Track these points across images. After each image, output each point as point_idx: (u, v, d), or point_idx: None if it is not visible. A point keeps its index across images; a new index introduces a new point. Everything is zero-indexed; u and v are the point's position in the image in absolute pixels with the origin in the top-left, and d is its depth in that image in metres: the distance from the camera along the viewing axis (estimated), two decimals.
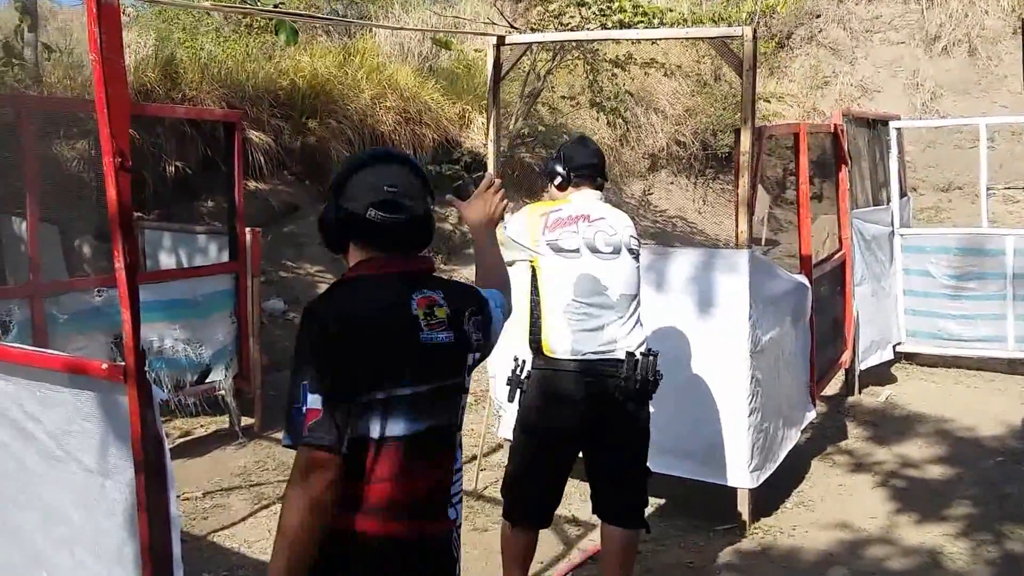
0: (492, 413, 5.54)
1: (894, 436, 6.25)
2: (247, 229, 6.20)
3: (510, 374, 3.86)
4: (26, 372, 2.96)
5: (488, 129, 5.60)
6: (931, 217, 12.14)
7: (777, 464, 5.13)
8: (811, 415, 5.82)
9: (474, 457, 5.56)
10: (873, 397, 7.10)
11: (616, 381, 3.63)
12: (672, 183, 12.99)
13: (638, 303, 3.82)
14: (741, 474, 4.84)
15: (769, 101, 12.95)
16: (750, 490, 4.87)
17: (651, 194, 12.66)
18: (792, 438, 5.43)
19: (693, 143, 13.11)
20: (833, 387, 6.98)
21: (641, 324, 3.81)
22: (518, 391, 3.82)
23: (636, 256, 3.85)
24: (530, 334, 3.78)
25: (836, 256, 6.62)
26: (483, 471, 5.39)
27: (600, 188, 3.94)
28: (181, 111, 7.12)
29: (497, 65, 5.55)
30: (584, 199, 3.84)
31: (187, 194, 8.89)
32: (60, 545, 3.04)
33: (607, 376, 3.64)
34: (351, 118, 10.09)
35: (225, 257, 6.26)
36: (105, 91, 2.55)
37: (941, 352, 7.75)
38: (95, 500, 2.89)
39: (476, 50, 11.94)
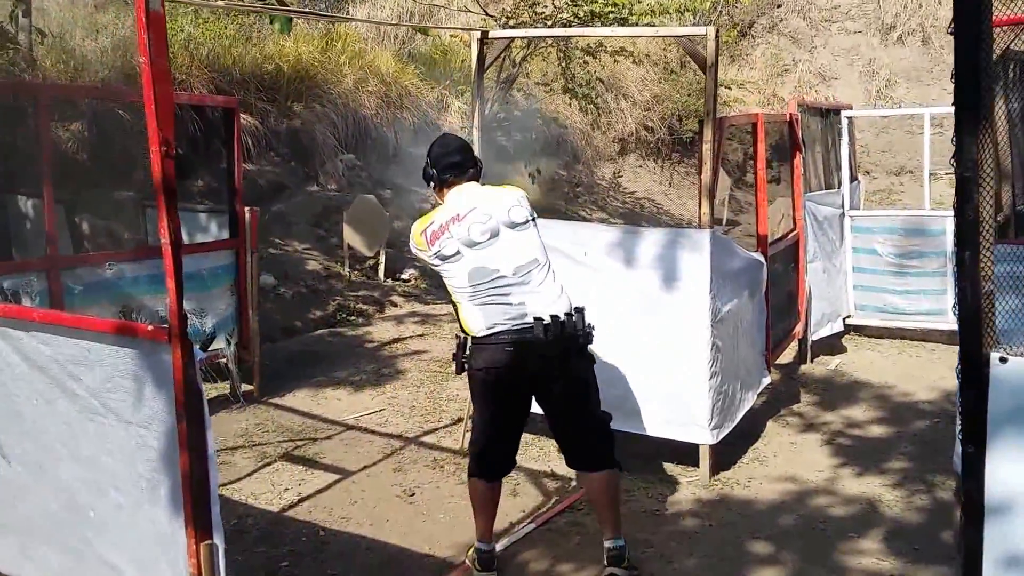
0: None
1: (841, 400, 6.81)
2: (246, 208, 6.63)
3: (454, 350, 4.15)
4: (68, 334, 3.30)
5: (473, 118, 6.06)
6: (883, 199, 12.75)
7: (735, 423, 5.65)
8: (766, 380, 6.35)
9: (460, 419, 6.07)
10: (823, 366, 7.66)
11: (534, 345, 3.92)
12: (640, 166, 13.51)
13: (543, 267, 4.06)
14: (702, 431, 5.36)
15: (730, 88, 13.46)
16: (710, 446, 5.39)
17: (621, 176, 13.17)
18: (749, 400, 5.97)
19: (660, 128, 13.63)
20: (787, 356, 7.52)
21: (555, 287, 4.07)
22: (464, 365, 4.07)
23: (525, 224, 4.07)
24: (463, 328, 4.06)
25: (790, 235, 7.15)
26: (468, 432, 5.87)
27: (475, 177, 4.19)
28: (184, 97, 7.53)
29: (481, 59, 5.98)
30: (456, 197, 4.12)
31: (178, 174, 9.25)
32: (98, 491, 3.41)
33: (524, 342, 3.92)
34: (335, 102, 10.49)
35: (225, 235, 6.67)
36: (154, 89, 2.95)
37: (887, 325, 8.34)
38: (133, 448, 3.25)
39: (452, 36, 12.36)
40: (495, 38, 6.18)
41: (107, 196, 7.99)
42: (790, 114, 7.16)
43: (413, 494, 5.21)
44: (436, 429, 6.18)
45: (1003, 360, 2.18)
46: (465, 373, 4.13)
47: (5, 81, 8.06)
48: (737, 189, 12.80)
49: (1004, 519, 2.20)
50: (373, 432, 6.10)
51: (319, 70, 10.75)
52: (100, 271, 5.92)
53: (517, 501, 5.14)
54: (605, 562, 4.24)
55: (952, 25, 2.12)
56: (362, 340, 8.22)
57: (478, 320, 3.96)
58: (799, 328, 7.36)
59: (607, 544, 4.25)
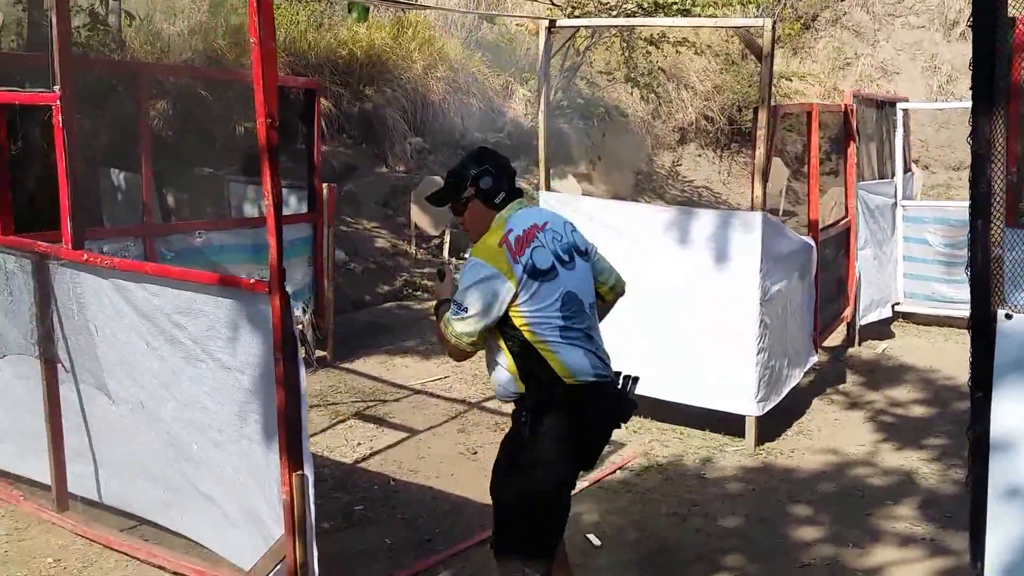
0: None
1: (886, 382, 7.06)
2: (324, 184, 7.03)
3: (523, 415, 3.17)
4: (176, 286, 3.70)
5: (539, 103, 6.40)
6: (941, 193, 12.82)
7: (781, 397, 5.95)
8: (813, 359, 6.62)
9: None
10: (871, 349, 7.90)
11: (626, 398, 3.34)
12: (700, 155, 13.73)
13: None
14: (749, 403, 5.68)
15: (791, 80, 13.61)
16: (756, 417, 5.71)
17: (680, 165, 13.42)
18: (795, 377, 6.25)
19: (720, 118, 13.83)
20: (835, 339, 7.77)
21: None
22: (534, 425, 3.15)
23: (587, 255, 3.38)
24: (532, 375, 3.16)
25: (842, 222, 7.39)
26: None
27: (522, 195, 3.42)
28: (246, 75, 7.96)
29: (548, 47, 6.33)
30: (522, 208, 3.34)
31: (253, 151, 9.71)
32: (197, 429, 3.84)
33: (614, 391, 3.32)
34: (405, 87, 10.90)
35: (304, 209, 7.08)
36: (262, 68, 3.32)
37: (935, 312, 8.54)
38: (230, 391, 3.67)
39: (517, 25, 12.70)
40: (562, 27, 6.52)
41: (189, 171, 8.47)
42: (845, 105, 7.39)
43: (476, 452, 5.58)
44: None
45: (1008, 316, 2.48)
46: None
47: (113, 60, 8.58)
48: (795, 180, 12.96)
49: (1006, 456, 2.52)
50: (438, 396, 6.49)
51: (390, 56, 11.15)
52: (190, 239, 6.37)
53: None
54: None
55: (971, 19, 2.43)
56: (428, 313, 8.61)
57: (574, 362, 3.17)
58: (848, 312, 7.61)
59: None
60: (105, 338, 4.01)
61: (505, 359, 3.20)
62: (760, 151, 5.58)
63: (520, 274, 3.12)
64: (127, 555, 4.16)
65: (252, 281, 3.52)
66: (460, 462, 5.45)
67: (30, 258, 4.11)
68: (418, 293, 9.25)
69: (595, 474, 5.32)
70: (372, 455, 5.54)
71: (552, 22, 6.37)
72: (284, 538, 3.53)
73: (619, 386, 3.33)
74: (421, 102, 11.00)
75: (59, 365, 4.20)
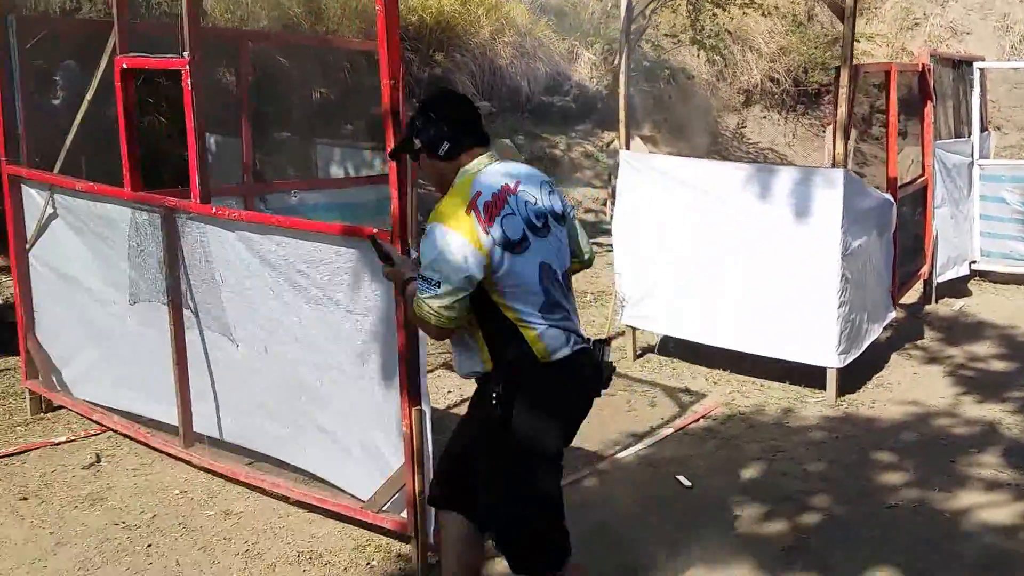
0: (616, 304, 6.56)
1: (964, 338, 7.12)
2: None
3: (494, 392, 2.86)
4: (301, 236, 3.94)
5: (620, 64, 6.52)
6: (1014, 154, 12.66)
7: (861, 351, 6.05)
8: (891, 315, 6.70)
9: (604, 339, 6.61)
10: (948, 307, 7.95)
11: (603, 367, 3.04)
12: (764, 117, 13.72)
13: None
14: (830, 355, 5.80)
15: (859, 40, 13.50)
16: (837, 369, 5.83)
17: (744, 127, 13.44)
18: (874, 332, 6.35)
19: (785, 80, 13.78)
20: (912, 296, 7.83)
21: None
22: (508, 407, 2.86)
23: (563, 218, 3.07)
24: (505, 354, 2.89)
25: (919, 181, 7.45)
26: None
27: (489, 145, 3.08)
28: (356, 43, 8.19)
29: (630, 9, 6.46)
30: (489, 163, 3.00)
31: (328, 116, 9.96)
32: (318, 369, 4.08)
33: (593, 363, 3.01)
34: (473, 52, 11.05)
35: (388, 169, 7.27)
36: (387, 32, 3.53)
37: (1012, 271, 8.54)
38: (350, 333, 3.91)
39: None
40: None
41: (270, 135, 8.73)
42: (922, 64, 7.42)
43: None
44: None
45: None
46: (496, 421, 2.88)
47: (223, 28, 8.86)
48: (862, 142, 12.91)
49: None
50: None
51: (459, 22, 11.29)
52: (286, 198, 6.62)
53: (655, 411, 5.71)
54: None
55: None
56: None
57: (553, 340, 2.90)
58: (925, 269, 7.69)
59: None
60: (230, 286, 4.26)
61: (475, 335, 2.93)
62: (842, 109, 5.67)
63: (490, 246, 2.79)
64: (249, 487, 4.43)
65: (375, 230, 3.72)
66: None
67: (160, 212, 4.36)
68: None
69: (678, 422, 5.53)
70: (462, 402, 5.75)
71: None
72: (403, 468, 3.77)
73: (595, 356, 3.02)
74: (489, 67, 11.14)
75: (185, 311, 4.46)
